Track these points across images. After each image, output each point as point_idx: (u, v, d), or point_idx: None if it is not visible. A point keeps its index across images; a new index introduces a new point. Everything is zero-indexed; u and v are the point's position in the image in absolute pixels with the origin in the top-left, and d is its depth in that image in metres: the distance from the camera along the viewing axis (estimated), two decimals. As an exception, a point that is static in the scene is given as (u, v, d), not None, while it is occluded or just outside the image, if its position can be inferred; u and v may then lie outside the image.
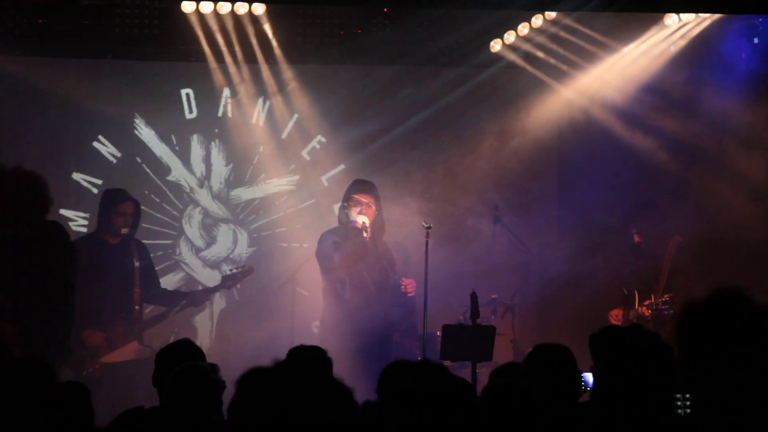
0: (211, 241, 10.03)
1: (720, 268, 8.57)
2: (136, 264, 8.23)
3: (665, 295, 8.41)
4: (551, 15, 9.32)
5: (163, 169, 9.95)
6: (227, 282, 8.63)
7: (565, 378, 4.41)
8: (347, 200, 7.85)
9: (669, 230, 8.97)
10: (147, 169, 9.90)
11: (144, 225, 9.78)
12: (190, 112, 10.00)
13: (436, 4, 8.66)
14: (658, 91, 9.47)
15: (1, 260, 6.71)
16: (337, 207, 9.91)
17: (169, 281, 9.68)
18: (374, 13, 9.37)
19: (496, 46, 9.61)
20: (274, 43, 9.45)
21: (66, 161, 9.80)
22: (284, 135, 10.04)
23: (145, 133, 9.92)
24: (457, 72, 9.80)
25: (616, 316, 8.59)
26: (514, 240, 9.36)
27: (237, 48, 9.50)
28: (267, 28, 9.37)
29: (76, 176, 9.79)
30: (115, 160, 9.88)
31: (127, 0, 9.15)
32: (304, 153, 10.08)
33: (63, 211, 9.59)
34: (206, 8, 9.14)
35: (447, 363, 7.41)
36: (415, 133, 9.91)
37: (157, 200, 9.90)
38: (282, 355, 4.66)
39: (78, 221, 9.74)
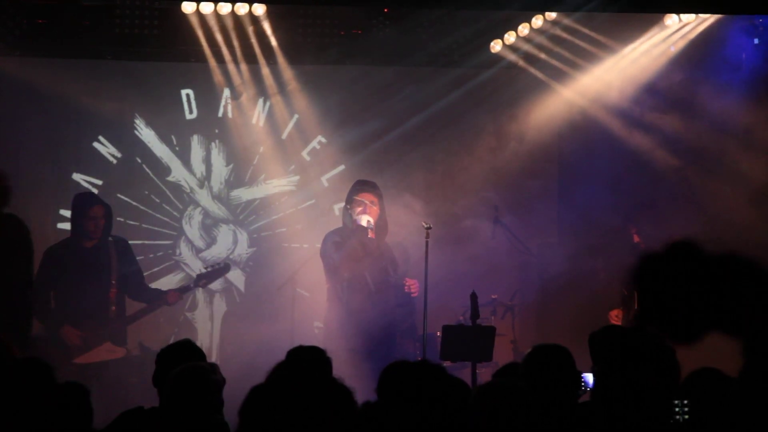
0: (211, 241, 10.03)
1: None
2: (114, 265, 8.26)
3: (665, 296, 8.40)
4: (551, 15, 9.32)
5: (163, 170, 9.95)
6: (200, 280, 8.65)
7: (564, 379, 4.41)
8: (350, 200, 7.84)
9: (668, 230, 8.97)
10: (147, 170, 9.91)
11: (144, 225, 9.82)
12: (191, 112, 10.00)
13: (436, 5, 8.66)
14: (658, 91, 9.47)
15: None
16: (337, 207, 9.94)
17: (169, 281, 9.69)
18: (374, 14, 9.37)
19: (496, 46, 9.61)
20: (275, 44, 9.45)
21: (66, 162, 9.80)
22: (284, 135, 10.05)
23: (145, 133, 9.92)
24: (457, 72, 9.80)
25: (616, 317, 8.60)
26: (514, 240, 9.37)
27: (237, 48, 9.50)
28: (267, 28, 9.37)
29: (76, 177, 9.79)
30: (115, 161, 9.88)
31: (127, 0, 9.16)
32: (304, 153, 10.08)
33: (63, 212, 9.59)
34: (206, 9, 9.14)
35: (447, 364, 7.42)
36: (416, 134, 9.91)
37: (157, 201, 9.90)
38: (282, 355, 4.66)
39: (78, 222, 9.72)
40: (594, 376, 4.06)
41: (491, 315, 8.93)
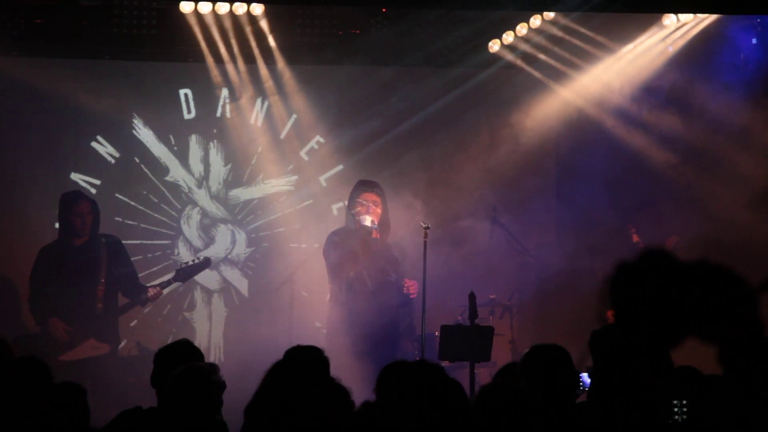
0: (209, 241, 10.02)
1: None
2: (103, 263, 8.31)
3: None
4: (549, 15, 9.32)
5: (161, 170, 9.94)
6: (180, 275, 8.67)
7: (562, 378, 4.41)
8: (353, 201, 7.84)
9: (667, 230, 8.98)
10: (145, 170, 9.90)
11: (142, 225, 9.81)
12: (189, 112, 10.00)
13: (435, 5, 8.66)
14: (657, 91, 9.48)
15: None
16: (336, 207, 9.95)
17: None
18: (373, 14, 9.37)
19: (494, 46, 9.61)
20: (273, 44, 9.45)
21: (64, 161, 9.79)
22: (283, 135, 10.04)
23: (143, 133, 9.91)
24: (455, 72, 9.80)
25: (613, 316, 8.58)
26: (512, 240, 9.37)
27: (235, 48, 9.50)
28: (265, 28, 9.37)
29: (75, 176, 9.79)
30: (113, 161, 9.88)
31: (126, 0, 9.15)
32: (303, 153, 10.07)
33: (61, 212, 9.59)
34: (204, 8, 9.14)
35: (445, 364, 7.42)
36: (414, 134, 9.91)
37: (156, 200, 9.90)
38: (280, 355, 4.66)
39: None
40: (590, 375, 4.07)
41: (489, 315, 8.93)
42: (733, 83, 9.31)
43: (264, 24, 9.35)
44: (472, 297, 7.13)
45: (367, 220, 7.69)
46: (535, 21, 9.40)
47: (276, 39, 9.43)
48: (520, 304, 9.32)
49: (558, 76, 9.71)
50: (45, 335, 8.10)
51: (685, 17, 9.37)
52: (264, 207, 10.02)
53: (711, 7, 8.83)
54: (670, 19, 9.39)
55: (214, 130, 10.03)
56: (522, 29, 9.46)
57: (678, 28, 9.45)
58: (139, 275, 9.27)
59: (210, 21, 9.28)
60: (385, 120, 9.82)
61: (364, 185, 7.91)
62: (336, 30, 9.47)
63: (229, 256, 9.98)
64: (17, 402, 3.93)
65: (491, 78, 9.81)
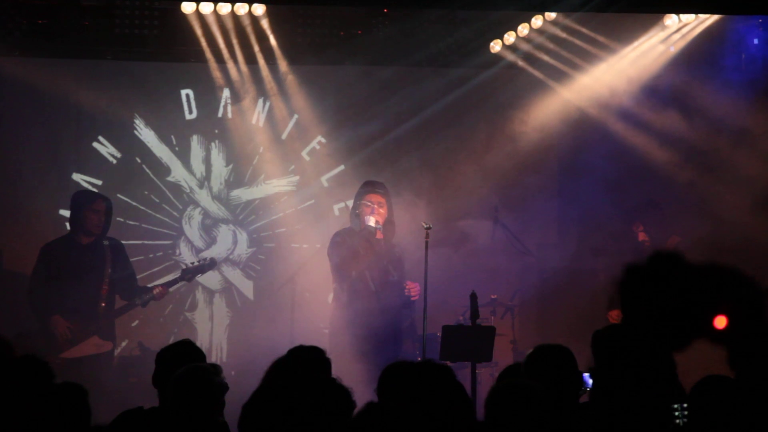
0: (211, 241, 10.02)
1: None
2: (108, 263, 8.37)
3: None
4: (551, 16, 9.32)
5: (163, 170, 9.95)
6: (186, 274, 8.73)
7: (566, 379, 4.40)
8: (358, 201, 7.84)
9: (668, 231, 8.98)
10: (147, 170, 9.90)
11: (144, 225, 9.81)
12: (190, 112, 10.00)
13: (436, 5, 8.66)
14: (658, 91, 9.47)
15: None
16: (337, 208, 9.95)
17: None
18: (374, 14, 9.37)
19: (495, 46, 9.61)
20: (274, 44, 9.45)
21: (66, 162, 9.79)
22: (284, 136, 10.04)
23: (145, 133, 9.92)
24: (457, 73, 9.80)
25: (616, 317, 8.59)
26: (513, 240, 9.36)
27: (237, 48, 9.50)
28: (267, 28, 9.37)
29: (76, 177, 9.79)
30: (114, 161, 9.88)
31: (127, 0, 9.15)
32: (304, 153, 10.07)
33: (63, 212, 9.59)
34: (206, 9, 9.14)
35: (447, 364, 7.41)
36: (415, 134, 9.91)
37: (157, 201, 9.90)
38: (281, 355, 4.66)
39: (78, 222, 9.73)
40: (592, 376, 4.06)
41: (491, 315, 8.93)
42: (735, 83, 9.31)
43: (265, 24, 9.35)
44: (473, 297, 7.13)
45: (371, 221, 7.68)
46: (537, 21, 9.40)
47: (277, 39, 9.43)
48: (522, 304, 9.31)
49: (559, 76, 9.70)
50: (46, 332, 8.13)
51: (686, 17, 9.36)
52: (265, 207, 10.02)
53: (712, 8, 8.83)
54: (671, 20, 9.39)
55: (216, 131, 10.03)
56: (523, 29, 9.45)
57: (679, 29, 9.44)
58: (141, 275, 9.29)
59: (211, 21, 9.28)
60: (386, 120, 9.81)
61: (369, 186, 7.91)
62: (337, 30, 9.46)
63: (230, 257, 9.98)
64: (18, 402, 3.93)
65: (493, 78, 9.80)
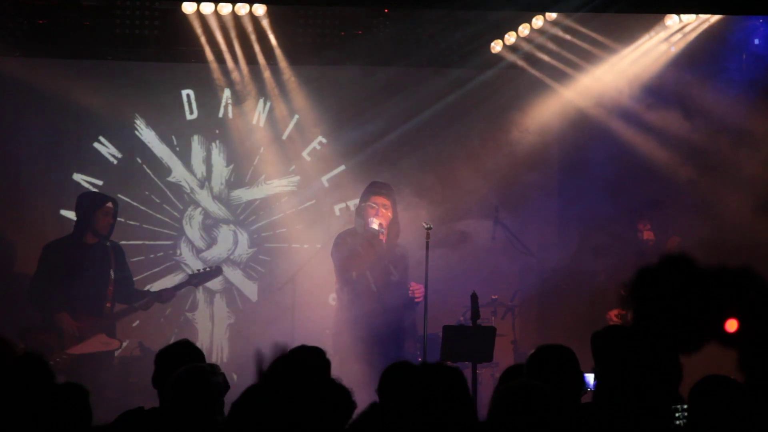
0: (211, 241, 10.02)
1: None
2: (112, 264, 8.52)
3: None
4: (552, 16, 9.32)
5: (163, 170, 9.95)
6: (193, 280, 8.96)
7: (568, 379, 4.40)
8: (363, 203, 7.84)
9: (669, 231, 8.98)
10: (147, 170, 9.90)
11: (144, 225, 9.82)
12: (191, 112, 10.00)
13: (436, 5, 8.66)
14: (659, 91, 9.47)
15: None
16: (338, 208, 9.95)
17: (169, 282, 9.68)
18: (375, 14, 9.36)
19: (496, 47, 9.61)
20: (275, 44, 9.45)
21: (66, 162, 9.80)
22: (285, 136, 10.04)
23: (145, 133, 9.91)
24: (457, 73, 9.79)
25: (616, 317, 8.59)
26: (514, 241, 9.36)
27: (237, 49, 9.50)
28: (267, 28, 9.37)
29: (77, 177, 9.79)
30: (115, 161, 9.88)
31: (128, 1, 9.15)
32: (305, 154, 10.07)
33: (63, 212, 9.60)
34: (207, 9, 9.14)
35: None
36: (416, 134, 9.90)
37: (158, 201, 9.90)
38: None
39: (78, 222, 9.73)
40: (595, 376, 4.05)
41: (491, 315, 8.93)
42: (736, 83, 9.31)
43: (266, 24, 9.35)
44: (474, 297, 7.12)
45: (375, 224, 7.68)
46: (537, 21, 9.40)
47: (278, 39, 9.43)
48: (522, 304, 9.31)
49: (560, 76, 9.70)
50: (52, 328, 8.20)
51: (687, 18, 9.36)
52: (266, 207, 10.02)
53: (713, 8, 8.82)
54: (672, 20, 9.39)
55: (217, 131, 10.03)
56: (524, 30, 9.45)
57: (680, 29, 9.44)
58: (142, 275, 9.31)
59: (212, 21, 9.28)
60: (387, 120, 9.81)
61: (375, 187, 7.90)
62: (338, 30, 9.46)
63: (231, 257, 9.98)
64: (19, 401, 3.93)
65: (493, 78, 9.80)
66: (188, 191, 10.00)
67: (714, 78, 9.34)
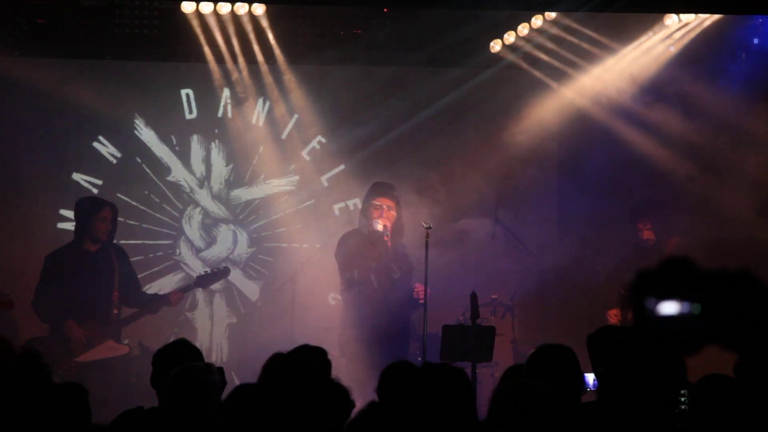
0: (211, 241, 10.02)
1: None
2: (116, 270, 8.46)
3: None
4: (551, 15, 9.31)
5: (163, 170, 9.94)
6: (201, 282, 8.88)
7: (568, 379, 4.40)
8: (367, 204, 7.83)
9: (669, 231, 8.97)
10: (147, 170, 9.90)
11: (144, 225, 9.81)
12: (190, 112, 10.00)
13: (436, 5, 8.65)
14: (658, 91, 9.47)
15: None
16: (337, 207, 9.95)
17: (169, 281, 9.69)
18: (374, 14, 9.36)
19: (496, 46, 9.61)
20: (274, 44, 9.45)
21: (66, 162, 9.79)
22: (284, 135, 10.04)
23: (145, 133, 9.91)
24: (457, 72, 9.79)
25: (615, 316, 8.59)
26: (514, 240, 9.36)
27: (237, 48, 9.50)
28: (267, 28, 9.37)
29: (76, 176, 9.79)
30: (115, 161, 9.88)
31: (127, 0, 9.15)
32: (304, 153, 10.07)
33: (63, 212, 9.60)
34: (206, 9, 9.14)
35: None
36: (415, 134, 9.90)
37: (157, 200, 9.90)
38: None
39: (78, 222, 9.73)
40: (598, 377, 4.05)
41: (491, 315, 8.92)
42: (735, 83, 9.30)
43: (265, 24, 9.35)
44: (473, 297, 7.12)
45: (380, 225, 7.68)
46: (537, 21, 9.40)
47: (277, 39, 9.43)
48: (522, 304, 9.30)
49: (560, 76, 9.70)
50: (59, 336, 8.15)
51: (686, 17, 9.36)
52: (265, 207, 10.02)
53: (713, 7, 8.82)
54: (671, 19, 9.38)
55: (216, 130, 10.03)
56: (523, 29, 9.45)
57: (680, 28, 9.44)
58: (142, 275, 9.29)
59: (211, 21, 9.28)
60: (386, 120, 9.81)
61: (379, 188, 7.90)
62: (337, 30, 9.46)
63: (230, 257, 9.98)
64: (14, 402, 3.92)
65: (493, 78, 9.80)
66: (188, 191, 10.00)
67: (714, 77, 9.33)
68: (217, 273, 8.93)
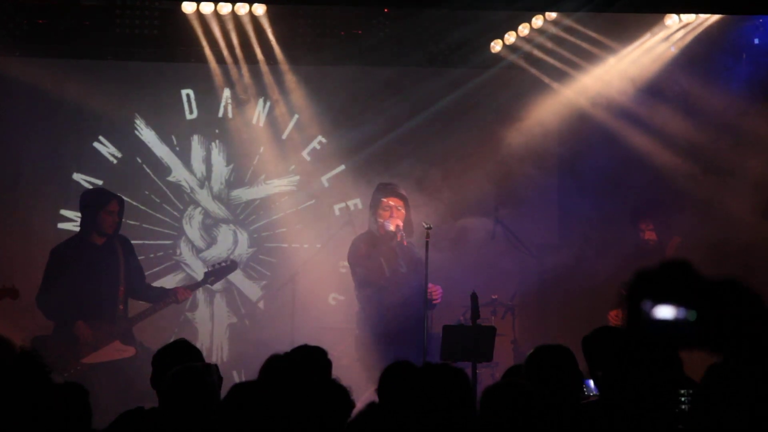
0: (211, 241, 10.03)
1: (721, 270, 8.53)
2: (122, 263, 8.31)
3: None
4: (551, 16, 9.32)
5: (163, 170, 9.95)
6: (209, 277, 8.76)
7: (567, 379, 4.40)
8: (376, 205, 7.82)
9: (670, 231, 8.97)
10: (147, 170, 9.91)
11: (144, 225, 9.82)
12: (191, 112, 10.00)
13: (436, 5, 8.65)
14: (659, 91, 9.47)
15: None
16: (338, 208, 9.96)
17: (169, 281, 9.69)
18: (375, 14, 9.37)
19: (496, 46, 9.61)
20: (275, 44, 9.45)
21: (66, 162, 9.80)
22: (284, 135, 10.04)
23: (145, 133, 9.92)
24: (457, 72, 9.79)
25: (615, 317, 8.59)
26: (514, 240, 9.36)
27: (237, 48, 9.51)
28: (267, 28, 9.38)
29: (77, 177, 9.79)
30: (115, 161, 9.88)
31: (128, 1, 9.16)
32: (305, 153, 10.07)
33: (63, 212, 9.60)
34: (207, 9, 9.14)
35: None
36: (416, 134, 9.90)
37: (158, 201, 9.90)
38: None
39: (78, 222, 9.71)
40: (597, 381, 4.05)
41: (491, 315, 8.93)
42: (735, 83, 9.30)
43: (266, 24, 9.35)
44: (474, 297, 7.12)
45: (392, 226, 7.67)
46: (537, 21, 9.40)
47: (278, 39, 9.44)
48: (522, 304, 9.31)
49: (560, 76, 9.70)
50: (66, 337, 8.00)
51: (687, 17, 9.36)
52: (266, 207, 10.03)
53: (713, 8, 8.82)
54: (672, 20, 9.39)
55: (216, 131, 10.03)
56: (524, 29, 9.45)
57: (680, 29, 9.44)
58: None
59: (212, 21, 9.29)
60: (386, 120, 9.81)
61: (385, 188, 7.88)
62: (338, 30, 9.46)
63: (231, 257, 9.97)
64: (16, 403, 3.92)
65: (493, 78, 9.80)
66: (188, 191, 10.00)
67: (715, 78, 9.33)
68: (225, 267, 8.79)
